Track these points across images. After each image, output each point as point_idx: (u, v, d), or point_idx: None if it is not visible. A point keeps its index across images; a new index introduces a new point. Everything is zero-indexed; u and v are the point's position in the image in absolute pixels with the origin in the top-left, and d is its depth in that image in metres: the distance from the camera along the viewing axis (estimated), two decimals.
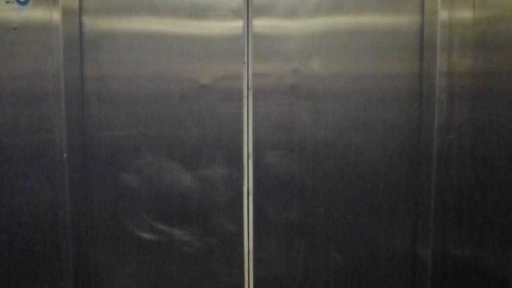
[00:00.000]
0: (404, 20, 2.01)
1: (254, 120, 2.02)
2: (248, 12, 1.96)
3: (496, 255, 1.98)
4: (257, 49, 1.99)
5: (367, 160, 2.08)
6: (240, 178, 2.05)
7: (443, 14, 1.97)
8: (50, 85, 1.92)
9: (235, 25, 1.97)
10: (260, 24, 1.98)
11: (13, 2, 1.90)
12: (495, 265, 1.99)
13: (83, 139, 1.97)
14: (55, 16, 1.90)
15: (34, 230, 1.98)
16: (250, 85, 2.00)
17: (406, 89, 2.04)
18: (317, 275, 2.14)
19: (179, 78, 1.99)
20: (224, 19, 1.96)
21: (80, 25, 1.93)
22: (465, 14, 1.99)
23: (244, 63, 1.98)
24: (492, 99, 1.96)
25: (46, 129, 1.94)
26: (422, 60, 2.01)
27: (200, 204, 2.06)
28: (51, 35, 1.90)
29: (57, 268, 2.01)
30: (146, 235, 2.05)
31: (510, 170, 1.92)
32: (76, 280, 2.02)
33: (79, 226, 2.00)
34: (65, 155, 1.95)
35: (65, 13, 1.90)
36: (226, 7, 1.95)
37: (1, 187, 1.96)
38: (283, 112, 2.04)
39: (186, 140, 2.02)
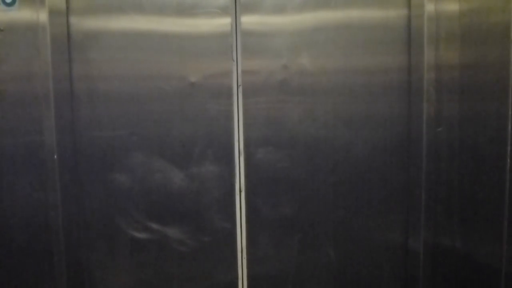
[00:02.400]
0: (391, 14, 2.02)
1: (245, 117, 2.02)
2: (236, 9, 1.96)
3: (487, 246, 1.99)
4: (246, 46, 1.99)
5: (358, 154, 2.09)
6: (232, 176, 2.05)
7: (430, 7, 1.98)
8: (38, 86, 1.91)
9: (223, 22, 1.97)
10: (248, 20, 1.98)
11: None
12: (486, 256, 2.00)
13: (73, 139, 1.96)
14: (42, 16, 1.88)
15: (26, 232, 1.97)
16: (239, 82, 2.00)
17: (394, 83, 2.05)
18: (311, 270, 2.14)
19: (169, 77, 1.98)
20: (212, 17, 1.96)
21: (68, 25, 1.92)
22: (452, 7, 2.00)
23: (233, 60, 1.98)
24: (480, 91, 1.97)
25: (36, 131, 1.93)
26: (410, 53, 2.02)
27: (192, 202, 2.06)
28: (38, 36, 1.89)
29: (50, 269, 2.00)
30: (139, 234, 2.05)
31: (499, 162, 1.93)
32: (69, 280, 2.01)
33: (71, 227, 1.99)
34: (55, 156, 1.94)
35: (52, 13, 1.89)
36: (214, 5, 1.95)
37: None
38: (273, 108, 2.04)
39: (177, 138, 2.02)
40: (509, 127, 1.81)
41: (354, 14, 2.00)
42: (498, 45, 1.84)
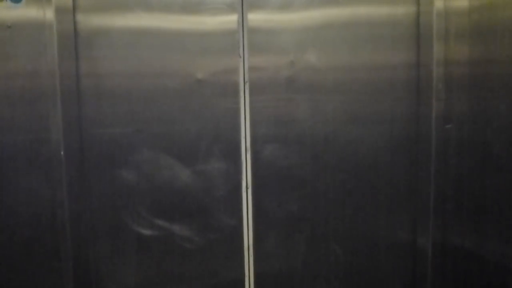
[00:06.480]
0: (399, 10, 2.00)
1: (251, 114, 2.02)
2: (242, 5, 1.95)
3: (497, 245, 1.98)
4: (253, 43, 1.98)
5: (365, 151, 2.07)
6: (239, 172, 2.05)
7: (439, 3, 1.96)
8: (45, 83, 1.91)
9: (230, 19, 1.96)
10: (255, 17, 1.97)
11: (6, 0, 1.88)
12: (496, 255, 1.99)
13: (80, 136, 1.96)
14: (49, 14, 1.88)
15: (32, 229, 1.98)
16: (246, 79, 1.99)
17: (403, 80, 2.03)
18: (318, 268, 2.14)
19: (175, 74, 1.98)
20: (219, 13, 1.95)
21: (74, 22, 1.91)
22: (461, 2, 1.98)
23: (240, 57, 1.98)
24: (490, 87, 1.95)
25: (43, 128, 1.93)
26: (419, 50, 2.00)
27: (199, 199, 2.06)
28: (45, 33, 1.89)
29: (57, 267, 2.01)
30: (146, 232, 2.05)
31: (509, 159, 1.92)
32: (76, 278, 2.02)
33: (78, 224, 1.99)
34: (62, 153, 1.94)
35: (59, 10, 1.89)
36: (220, 1, 1.94)
37: None
38: (280, 105, 2.03)
39: (183, 135, 2.02)
40: None
41: (362, 10, 1.98)
42: (508, 41, 1.82)
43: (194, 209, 2.06)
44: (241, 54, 1.97)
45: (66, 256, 2.00)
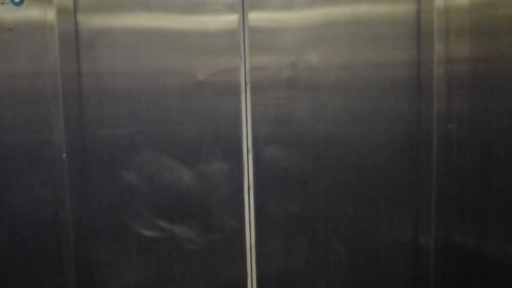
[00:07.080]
0: (400, 8, 2.00)
1: (253, 114, 2.01)
2: (243, 5, 1.95)
3: (499, 243, 1.97)
4: (254, 43, 1.98)
5: (367, 151, 2.07)
6: (240, 173, 2.04)
7: (439, 1, 1.96)
8: (47, 85, 1.92)
9: (231, 19, 1.96)
10: (256, 17, 1.97)
11: (7, 3, 1.89)
12: (498, 253, 1.97)
13: (82, 137, 1.96)
14: (50, 15, 1.89)
15: (35, 231, 1.98)
16: (247, 79, 1.99)
17: (404, 78, 2.03)
18: (320, 268, 2.12)
19: (176, 74, 1.98)
20: (220, 13, 1.95)
21: (76, 23, 1.92)
22: (461, 0, 1.98)
23: (241, 58, 1.98)
24: (492, 86, 1.95)
25: (45, 129, 1.94)
26: (420, 48, 2.00)
27: (201, 200, 2.05)
28: (46, 34, 1.90)
29: (59, 268, 2.00)
30: (148, 233, 2.04)
31: (511, 157, 1.91)
32: (78, 279, 2.01)
33: (80, 225, 1.99)
34: (64, 155, 1.94)
35: (60, 12, 1.90)
36: (221, 1, 1.95)
37: (1, 188, 1.96)
38: (281, 105, 2.03)
39: (185, 136, 2.01)
40: None
41: (363, 9, 1.98)
42: (509, 38, 1.82)
43: (196, 210, 2.05)
44: (242, 55, 1.97)
45: (68, 257, 1.99)
